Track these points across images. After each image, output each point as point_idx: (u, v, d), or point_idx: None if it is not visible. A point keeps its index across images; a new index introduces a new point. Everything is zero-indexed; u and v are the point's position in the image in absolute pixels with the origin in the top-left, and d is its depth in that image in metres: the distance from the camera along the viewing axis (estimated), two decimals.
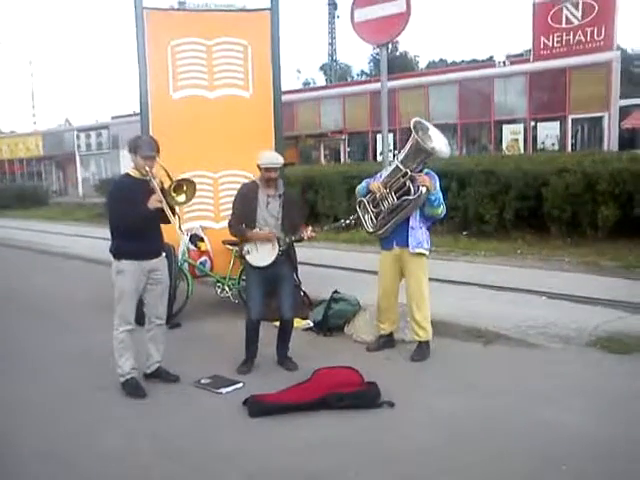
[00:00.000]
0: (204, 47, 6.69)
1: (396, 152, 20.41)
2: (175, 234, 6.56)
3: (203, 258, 6.87)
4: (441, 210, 4.98)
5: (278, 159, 4.85)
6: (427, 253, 5.10)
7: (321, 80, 50.91)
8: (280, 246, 4.82)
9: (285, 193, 4.96)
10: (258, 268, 4.85)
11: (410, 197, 4.78)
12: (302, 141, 24.15)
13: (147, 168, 4.37)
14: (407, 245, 4.99)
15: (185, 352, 5.43)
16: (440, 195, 4.92)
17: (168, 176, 4.51)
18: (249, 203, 4.88)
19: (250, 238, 4.84)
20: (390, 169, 5.01)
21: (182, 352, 5.39)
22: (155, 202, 4.31)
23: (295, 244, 5.05)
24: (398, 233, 5.02)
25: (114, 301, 4.52)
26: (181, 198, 4.44)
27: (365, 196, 5.15)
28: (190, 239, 6.73)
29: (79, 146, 34.43)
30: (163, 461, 3.50)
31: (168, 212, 4.39)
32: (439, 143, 4.79)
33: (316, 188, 13.14)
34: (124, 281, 4.43)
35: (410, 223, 4.97)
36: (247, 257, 4.88)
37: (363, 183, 5.23)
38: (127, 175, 4.57)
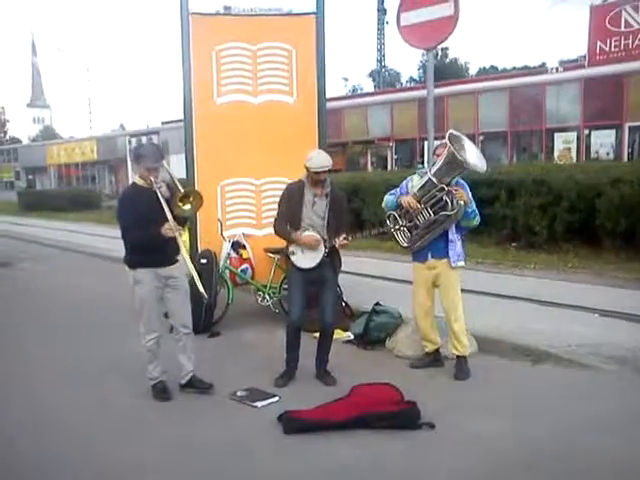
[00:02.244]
0: (249, 52, 6.64)
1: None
2: (217, 240, 6.60)
3: (244, 266, 6.80)
4: (476, 220, 4.86)
5: (328, 161, 4.68)
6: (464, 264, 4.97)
7: (369, 87, 50.76)
8: (325, 248, 4.69)
9: (332, 192, 4.79)
10: (302, 270, 4.73)
11: (448, 212, 4.62)
12: (349, 148, 24.03)
13: (152, 178, 4.31)
14: (445, 257, 4.83)
15: (223, 362, 5.36)
16: (474, 205, 4.78)
17: (175, 185, 4.44)
18: (295, 202, 4.75)
19: (295, 241, 4.72)
20: (421, 182, 4.80)
21: (220, 362, 5.33)
22: (168, 231, 4.26)
23: (340, 250, 4.90)
24: (434, 245, 4.84)
25: (137, 311, 4.51)
26: (186, 207, 4.35)
27: (395, 209, 4.94)
28: (232, 246, 6.68)
29: (131, 151, 35.19)
30: (192, 475, 3.41)
31: (180, 241, 4.36)
32: (473, 157, 4.62)
33: (362, 196, 12.99)
34: (142, 290, 4.41)
35: (449, 237, 4.81)
36: (292, 258, 4.77)
37: (390, 196, 5.02)
38: (134, 185, 4.53)
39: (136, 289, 4.43)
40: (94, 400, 4.58)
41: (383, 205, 5.08)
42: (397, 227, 4.93)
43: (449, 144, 4.51)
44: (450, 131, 4.60)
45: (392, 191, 5.07)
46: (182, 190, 4.34)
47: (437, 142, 5.09)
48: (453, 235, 4.82)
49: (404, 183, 5.04)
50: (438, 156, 4.79)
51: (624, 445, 3.60)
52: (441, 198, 4.65)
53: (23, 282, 10.11)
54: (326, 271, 4.79)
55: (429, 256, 4.90)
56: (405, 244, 4.95)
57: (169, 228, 4.26)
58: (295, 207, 4.75)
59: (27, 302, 8.28)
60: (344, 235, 4.69)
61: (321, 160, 4.67)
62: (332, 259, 4.81)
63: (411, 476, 3.37)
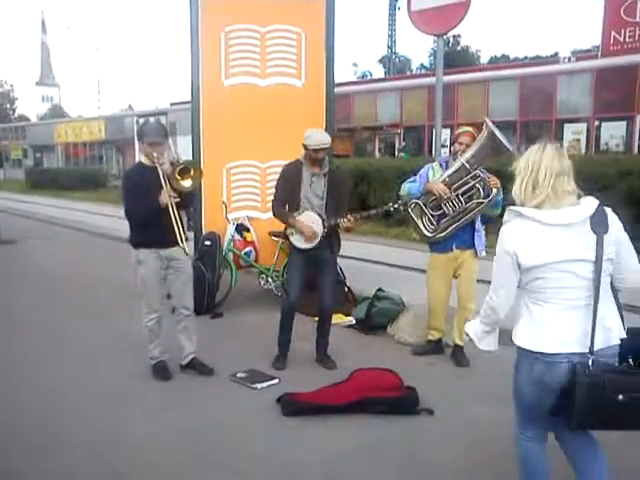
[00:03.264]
0: (258, 34, 6.59)
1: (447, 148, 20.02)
2: (222, 222, 6.60)
3: (248, 248, 6.82)
4: (499, 210, 4.74)
5: (327, 139, 4.60)
6: None
7: (379, 73, 50.47)
8: (324, 228, 4.64)
9: (330, 171, 4.73)
10: (301, 251, 4.71)
11: (481, 200, 4.57)
12: (357, 134, 23.93)
13: (155, 154, 4.29)
14: (470, 247, 4.79)
15: (225, 343, 5.38)
16: (502, 194, 4.66)
17: (178, 161, 4.41)
18: (292, 183, 4.69)
19: (292, 225, 4.68)
20: (453, 168, 4.69)
21: (222, 343, 5.36)
22: (165, 197, 4.25)
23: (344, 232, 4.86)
24: (459, 235, 4.75)
25: (139, 291, 4.53)
26: (187, 183, 4.31)
27: (419, 197, 4.82)
28: (236, 229, 6.69)
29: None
30: (190, 456, 3.44)
31: (174, 212, 4.29)
32: (507, 142, 4.56)
33: (368, 181, 12.96)
34: (145, 270, 4.42)
35: (475, 226, 4.76)
36: (291, 238, 4.75)
37: (411, 183, 4.88)
38: (139, 163, 4.53)
39: (139, 269, 4.44)
40: (95, 379, 4.61)
41: (403, 193, 4.90)
42: (418, 217, 4.84)
43: (489, 125, 4.42)
44: (485, 118, 4.52)
45: (410, 179, 4.95)
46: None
47: (448, 130, 5.02)
48: (479, 224, 4.77)
49: (423, 171, 4.93)
50: (461, 144, 4.70)
51: (622, 434, 3.60)
52: (474, 185, 4.59)
53: (28, 260, 10.16)
54: (325, 253, 4.75)
55: (453, 247, 4.80)
56: (429, 234, 4.81)
57: (166, 195, 4.23)
58: (293, 187, 4.69)
59: (32, 280, 8.32)
60: (348, 217, 4.60)
61: (320, 137, 4.57)
62: (331, 240, 4.76)
63: (410, 461, 3.38)
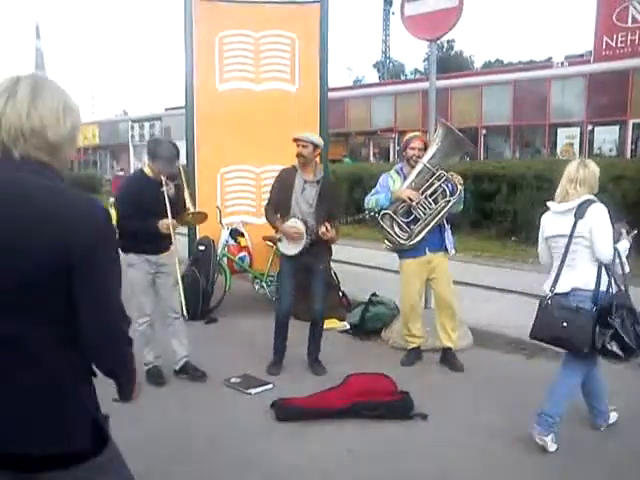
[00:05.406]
0: (252, 39, 6.62)
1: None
2: (216, 227, 6.59)
3: (242, 253, 6.81)
4: (462, 205, 4.89)
5: (314, 137, 4.67)
6: None
7: (373, 78, 50.52)
8: (309, 235, 4.62)
9: (324, 180, 4.75)
10: (290, 258, 4.73)
11: (451, 198, 4.67)
12: (352, 138, 23.96)
13: (162, 178, 4.35)
14: (441, 248, 4.83)
15: (219, 348, 5.37)
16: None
17: (181, 181, 4.59)
18: (285, 188, 4.70)
19: (279, 229, 4.72)
20: (415, 171, 4.74)
21: (216, 348, 5.34)
22: (164, 229, 4.32)
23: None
24: (430, 238, 4.77)
25: (127, 295, 4.49)
26: (188, 218, 4.70)
27: (388, 207, 4.78)
28: (230, 234, 6.68)
29: (133, 136, 35.02)
30: (184, 461, 3.43)
31: (174, 238, 4.42)
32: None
33: (363, 186, 12.96)
34: (134, 274, 4.43)
35: (444, 226, 4.84)
36: (279, 244, 4.80)
37: (376, 196, 4.84)
38: (142, 173, 4.52)
39: (128, 273, 4.41)
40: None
41: (371, 205, 4.81)
42: (390, 226, 4.82)
43: (445, 123, 4.59)
44: (440, 118, 4.72)
45: (373, 191, 4.94)
46: (188, 197, 4.63)
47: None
48: (445, 224, 4.84)
49: (383, 181, 4.93)
50: (413, 149, 4.78)
51: (619, 441, 3.61)
52: (440, 186, 4.68)
53: None
54: (312, 261, 4.73)
55: (426, 250, 4.80)
56: (403, 241, 4.77)
57: (166, 227, 4.30)
58: (285, 193, 4.70)
59: None
60: (326, 225, 4.53)
61: (307, 134, 4.68)
62: (320, 248, 4.72)
63: (403, 466, 3.38)
